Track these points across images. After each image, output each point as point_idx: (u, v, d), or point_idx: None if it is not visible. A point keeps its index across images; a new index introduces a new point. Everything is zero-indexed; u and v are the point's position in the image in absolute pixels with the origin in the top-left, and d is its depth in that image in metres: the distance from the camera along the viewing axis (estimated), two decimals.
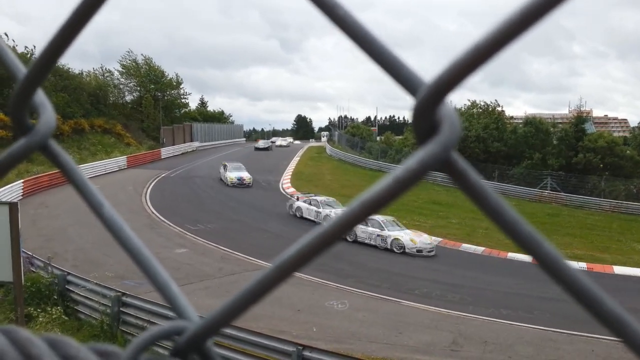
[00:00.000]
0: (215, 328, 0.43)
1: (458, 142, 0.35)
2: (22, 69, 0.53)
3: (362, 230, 21.95)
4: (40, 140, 0.50)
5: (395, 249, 21.44)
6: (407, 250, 21.18)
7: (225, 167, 36.74)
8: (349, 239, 21.86)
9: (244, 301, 0.42)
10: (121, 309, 12.11)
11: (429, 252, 21.52)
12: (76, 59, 58.15)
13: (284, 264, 0.39)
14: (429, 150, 0.35)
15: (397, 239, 21.53)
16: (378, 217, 22.04)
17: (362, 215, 0.36)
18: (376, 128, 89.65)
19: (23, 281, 9.19)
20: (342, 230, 0.36)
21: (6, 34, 41.11)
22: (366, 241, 22.00)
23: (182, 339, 0.43)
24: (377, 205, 0.35)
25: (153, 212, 25.80)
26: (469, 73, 0.34)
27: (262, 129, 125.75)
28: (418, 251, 21.26)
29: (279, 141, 78.16)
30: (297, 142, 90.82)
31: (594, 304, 0.35)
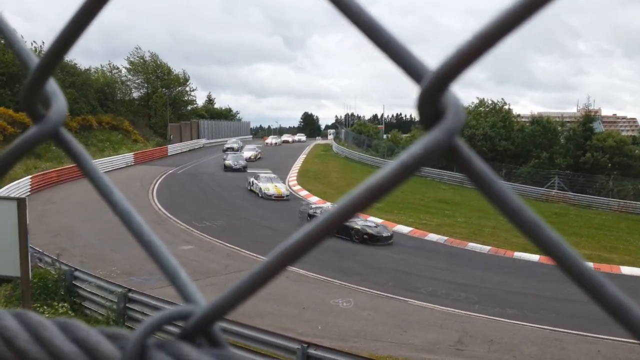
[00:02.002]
0: (222, 312, 0.43)
1: (462, 129, 0.36)
2: (34, 59, 0.54)
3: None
4: (52, 128, 0.51)
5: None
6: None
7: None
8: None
9: (250, 286, 0.42)
10: (127, 305, 12.18)
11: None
12: (80, 56, 58.44)
13: (290, 248, 0.40)
14: (433, 137, 0.35)
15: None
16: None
17: (368, 200, 0.36)
18: (383, 126, 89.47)
19: (30, 276, 9.26)
20: (348, 214, 0.37)
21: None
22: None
23: (190, 323, 0.44)
24: (383, 190, 0.36)
25: (160, 209, 25.92)
26: (473, 60, 0.35)
27: (269, 126, 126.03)
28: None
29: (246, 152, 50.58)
30: (299, 137, 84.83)
31: (597, 289, 0.35)
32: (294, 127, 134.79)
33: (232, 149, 51.07)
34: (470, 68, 0.35)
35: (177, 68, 64.29)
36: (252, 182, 31.79)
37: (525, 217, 0.36)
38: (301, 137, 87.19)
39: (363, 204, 0.36)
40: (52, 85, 0.52)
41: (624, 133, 59.21)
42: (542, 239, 0.36)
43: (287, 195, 30.69)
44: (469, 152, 0.37)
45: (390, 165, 0.36)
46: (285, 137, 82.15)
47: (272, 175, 32.90)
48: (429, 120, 0.36)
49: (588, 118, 45.91)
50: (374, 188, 0.36)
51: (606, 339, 12.72)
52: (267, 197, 29.77)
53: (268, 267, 0.42)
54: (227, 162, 40.25)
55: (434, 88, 0.36)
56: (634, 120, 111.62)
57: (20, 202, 7.96)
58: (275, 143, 67.75)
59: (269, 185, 30.62)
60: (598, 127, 52.31)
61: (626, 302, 0.35)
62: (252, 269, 0.43)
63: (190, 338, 0.44)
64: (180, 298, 0.48)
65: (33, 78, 0.51)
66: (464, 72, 0.35)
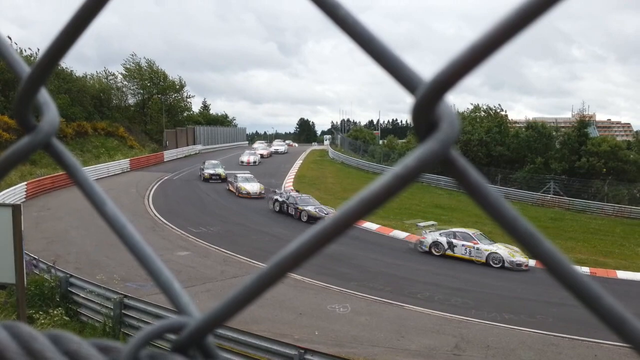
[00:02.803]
0: (215, 324, 0.43)
1: (457, 140, 0.36)
2: (25, 68, 0.53)
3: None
4: (44, 138, 0.51)
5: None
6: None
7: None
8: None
9: (244, 297, 0.42)
10: (123, 311, 12.12)
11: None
12: (74, 62, 58.27)
13: (283, 260, 0.40)
14: (428, 148, 0.35)
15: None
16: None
17: (361, 212, 0.36)
18: (379, 132, 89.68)
19: (26, 283, 9.21)
20: (342, 227, 0.37)
21: (9, 37, 41.37)
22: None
23: (183, 335, 0.43)
24: (376, 202, 0.35)
25: (155, 215, 25.84)
26: (467, 71, 0.35)
27: (265, 132, 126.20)
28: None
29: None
30: (275, 147, 63.11)
31: (593, 300, 0.35)
32: (290, 132, 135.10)
33: (217, 176, 37.70)
34: (464, 79, 0.35)
35: (171, 74, 63.97)
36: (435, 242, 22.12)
37: (520, 227, 0.36)
38: (279, 146, 65.36)
39: (357, 216, 0.36)
40: (44, 96, 0.52)
41: (618, 138, 59.41)
42: (537, 249, 0.36)
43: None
44: (464, 163, 0.37)
45: (384, 177, 0.36)
46: (260, 147, 61.47)
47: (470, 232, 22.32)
48: (423, 131, 0.36)
49: (583, 123, 46.06)
50: (368, 200, 0.35)
51: (603, 343, 12.74)
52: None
53: (263, 277, 0.42)
54: (309, 208, 26.31)
55: (429, 99, 0.36)
56: (628, 125, 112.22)
57: (15, 209, 7.92)
58: (255, 162, 48.74)
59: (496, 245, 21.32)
60: (593, 132, 52.58)
61: (622, 312, 0.35)
62: (247, 279, 0.42)
63: (184, 350, 0.43)
64: (173, 309, 0.47)
65: (25, 88, 0.51)
66: (458, 83, 0.35)
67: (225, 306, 0.43)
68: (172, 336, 0.46)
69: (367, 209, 0.36)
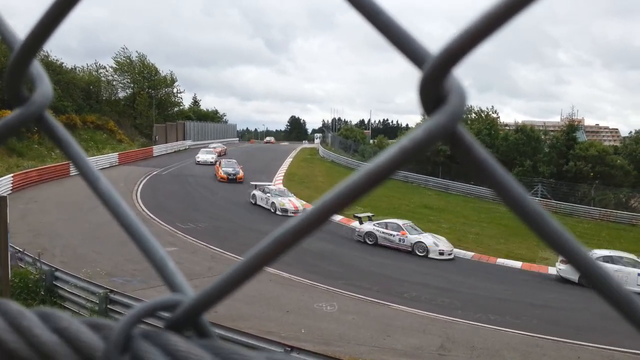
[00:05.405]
0: (211, 302, 0.42)
1: (465, 113, 0.35)
2: (17, 38, 0.52)
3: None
4: (36, 111, 0.49)
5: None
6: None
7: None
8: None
9: (240, 276, 0.41)
10: (109, 306, 12.04)
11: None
12: (59, 54, 57.48)
13: (282, 236, 0.39)
14: (436, 120, 0.34)
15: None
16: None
17: (367, 185, 0.35)
18: (369, 131, 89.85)
19: (10, 275, 9.12)
20: (347, 200, 0.36)
21: None
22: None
23: (177, 313, 0.42)
24: (383, 174, 0.34)
25: (143, 210, 25.66)
26: (476, 44, 0.34)
27: (256, 129, 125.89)
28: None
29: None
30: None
31: (600, 280, 0.35)
32: (280, 130, 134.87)
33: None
34: (473, 51, 0.34)
35: (160, 69, 63.35)
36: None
37: (528, 207, 0.35)
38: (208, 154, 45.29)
39: (362, 190, 0.35)
40: (37, 67, 0.50)
41: (606, 143, 60.10)
42: (545, 230, 0.35)
43: None
44: (471, 139, 0.36)
45: (390, 150, 0.35)
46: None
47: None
48: (430, 106, 0.35)
49: (571, 127, 46.49)
50: (374, 173, 0.34)
51: (587, 345, 12.87)
52: None
53: (259, 256, 0.41)
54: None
55: (436, 72, 0.35)
56: (616, 130, 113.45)
57: (1, 201, 7.84)
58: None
59: None
60: (581, 136, 53.06)
61: (629, 295, 0.34)
62: (243, 258, 0.41)
63: (178, 328, 0.42)
64: (167, 288, 0.46)
65: (17, 59, 0.49)
66: (467, 56, 0.34)
67: (220, 285, 0.42)
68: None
69: (372, 182, 0.35)
